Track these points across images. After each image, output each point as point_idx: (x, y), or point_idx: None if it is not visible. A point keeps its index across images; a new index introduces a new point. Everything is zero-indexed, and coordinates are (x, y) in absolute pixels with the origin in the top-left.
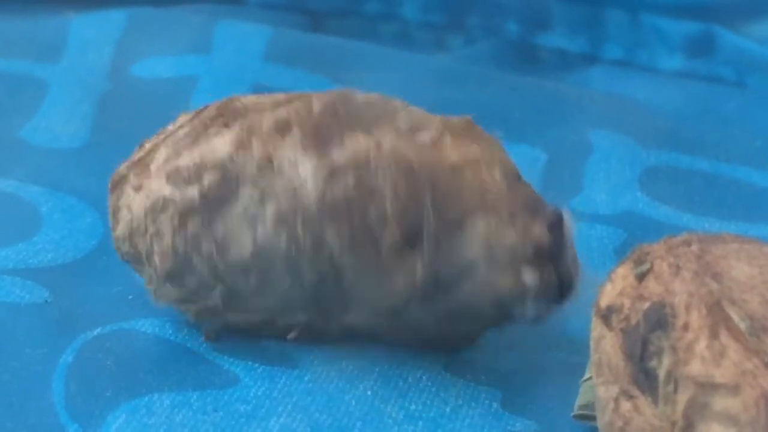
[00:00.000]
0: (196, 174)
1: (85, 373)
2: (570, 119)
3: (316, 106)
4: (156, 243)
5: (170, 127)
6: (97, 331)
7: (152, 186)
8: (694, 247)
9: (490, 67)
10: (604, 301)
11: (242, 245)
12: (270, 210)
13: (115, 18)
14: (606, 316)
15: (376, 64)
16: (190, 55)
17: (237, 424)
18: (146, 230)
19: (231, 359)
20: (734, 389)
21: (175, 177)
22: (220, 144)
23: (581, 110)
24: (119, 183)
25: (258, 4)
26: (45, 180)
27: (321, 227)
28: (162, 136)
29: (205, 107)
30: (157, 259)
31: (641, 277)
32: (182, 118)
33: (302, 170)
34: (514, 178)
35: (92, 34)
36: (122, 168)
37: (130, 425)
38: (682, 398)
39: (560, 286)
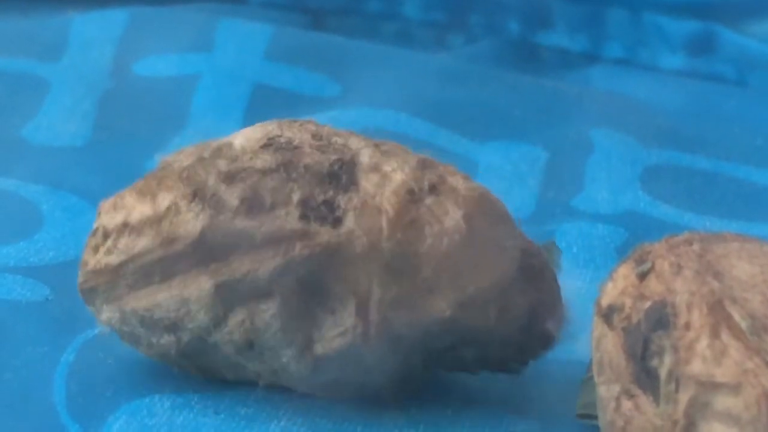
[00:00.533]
0: (172, 328)
1: (86, 372)
2: (571, 118)
3: (299, 263)
4: (136, 345)
5: (137, 245)
6: (98, 329)
7: (125, 316)
8: (696, 246)
9: (491, 65)
10: (606, 301)
11: (224, 376)
12: (251, 370)
13: (116, 16)
14: (607, 315)
15: (377, 63)
16: (191, 54)
17: (238, 427)
18: (124, 337)
19: None
20: (735, 388)
21: (149, 323)
22: (196, 306)
23: (582, 109)
24: (89, 292)
25: (259, 3)
26: (46, 178)
27: (308, 390)
28: (128, 247)
29: (176, 213)
30: (138, 349)
31: (642, 277)
32: (149, 237)
33: (284, 358)
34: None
35: (94, 33)
36: (89, 271)
37: (131, 426)
38: (684, 397)
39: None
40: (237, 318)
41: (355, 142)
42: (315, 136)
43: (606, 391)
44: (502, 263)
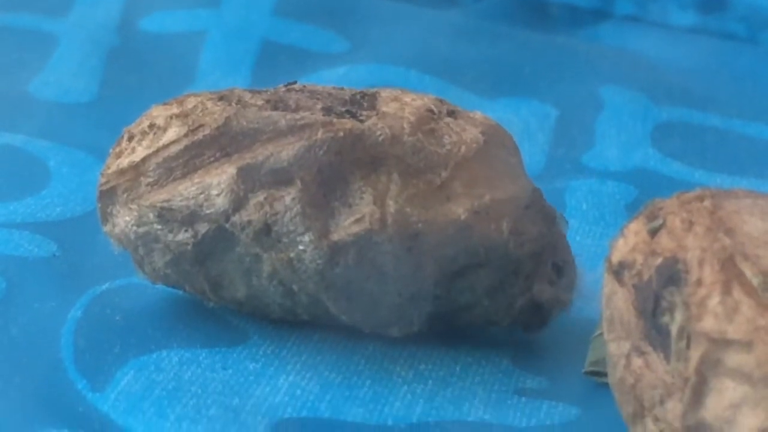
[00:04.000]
0: (189, 220)
1: (94, 328)
2: (581, 75)
3: (321, 149)
4: (147, 263)
5: (163, 138)
6: (105, 285)
7: (142, 213)
8: (707, 203)
9: (501, 22)
10: (616, 257)
11: (236, 288)
12: (266, 268)
13: None
14: (618, 271)
15: (387, 20)
16: (199, 10)
17: (246, 382)
18: (137, 249)
19: (240, 317)
20: (747, 345)
21: (167, 216)
22: (216, 190)
23: (592, 66)
24: (108, 193)
25: None
26: (53, 134)
27: (318, 295)
28: (153, 142)
29: (204, 108)
30: (148, 270)
31: (654, 233)
32: (175, 128)
33: (301, 245)
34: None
35: None
36: (111, 173)
37: (139, 381)
38: (695, 354)
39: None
40: (257, 199)
41: (374, 89)
42: (334, 87)
43: (616, 348)
44: (516, 184)
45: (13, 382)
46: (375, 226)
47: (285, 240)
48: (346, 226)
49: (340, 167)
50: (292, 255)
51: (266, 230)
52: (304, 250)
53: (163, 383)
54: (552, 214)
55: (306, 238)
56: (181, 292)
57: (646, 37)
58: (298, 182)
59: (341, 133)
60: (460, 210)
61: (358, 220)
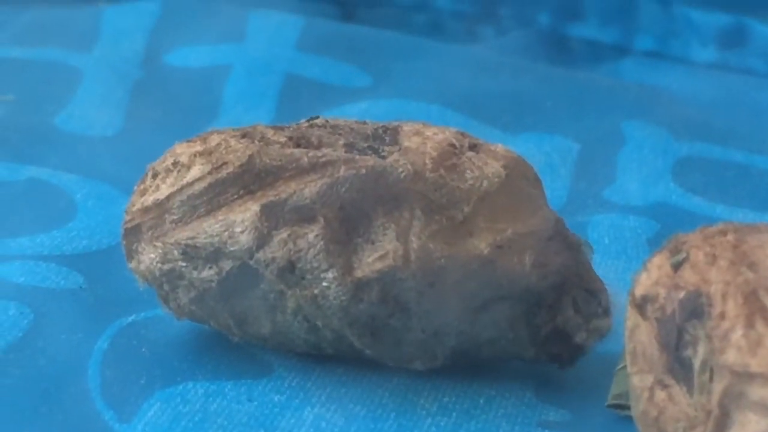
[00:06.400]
0: (213, 257)
1: (120, 360)
2: (602, 110)
3: (343, 186)
4: (172, 299)
5: (187, 176)
6: (131, 317)
7: (167, 250)
8: (730, 237)
9: (522, 57)
10: (639, 291)
11: (261, 324)
12: (290, 305)
13: (148, 7)
14: (641, 305)
15: (408, 54)
16: (223, 45)
17: (271, 414)
18: (162, 286)
19: (265, 349)
20: None
21: (191, 253)
22: (240, 227)
23: (614, 101)
24: (133, 230)
25: None
26: (79, 167)
27: (342, 331)
28: (177, 180)
29: (227, 146)
30: (173, 306)
31: (677, 267)
32: (199, 166)
33: (325, 282)
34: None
35: (126, 23)
36: (136, 210)
37: (165, 413)
38: (718, 387)
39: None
40: (281, 236)
41: (395, 123)
42: (356, 121)
43: (639, 381)
44: (538, 216)
45: (40, 413)
46: (398, 263)
47: (309, 277)
48: (370, 263)
49: (362, 204)
50: (316, 291)
51: (290, 267)
52: (328, 287)
53: (190, 415)
54: (576, 243)
55: (330, 275)
56: (206, 326)
57: (667, 73)
58: (321, 219)
59: (363, 170)
60: (482, 245)
61: (381, 257)
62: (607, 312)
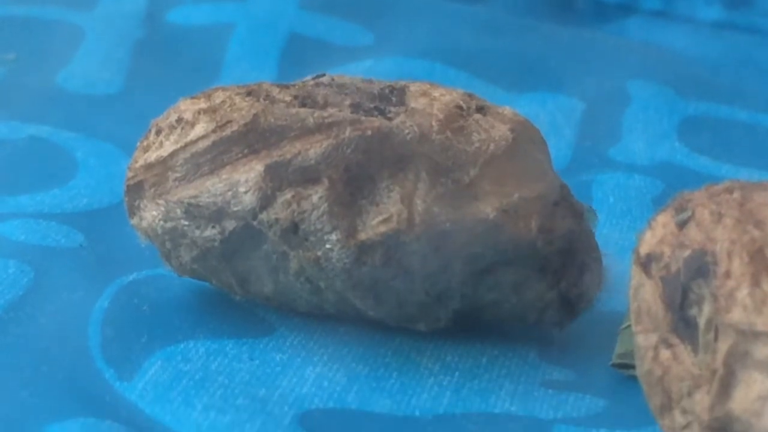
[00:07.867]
0: (216, 216)
1: (121, 318)
2: (608, 69)
3: (349, 147)
4: (174, 257)
5: (191, 133)
6: (132, 276)
7: (169, 208)
8: (736, 195)
9: (527, 16)
10: (644, 249)
11: (263, 284)
12: (293, 266)
13: None
14: (645, 264)
15: (413, 14)
16: (226, 3)
17: (273, 373)
18: (164, 243)
19: (267, 308)
20: None
21: (194, 212)
22: (244, 187)
23: (619, 60)
24: (135, 187)
25: None
26: (80, 126)
27: (345, 293)
28: (181, 137)
29: (232, 104)
30: (175, 264)
31: (682, 225)
32: (203, 123)
33: (328, 244)
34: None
35: None
36: (138, 167)
37: (166, 372)
38: (723, 346)
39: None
40: (284, 197)
41: (402, 82)
42: (362, 80)
43: (644, 340)
44: (544, 180)
45: (40, 371)
46: (402, 226)
47: (312, 238)
48: (374, 226)
49: (367, 166)
50: (319, 253)
51: (293, 228)
52: (331, 249)
53: (191, 373)
54: (580, 209)
55: (333, 237)
56: (207, 285)
57: (673, 32)
58: (326, 181)
59: (369, 132)
60: (488, 209)
61: (385, 220)
62: (596, 283)
